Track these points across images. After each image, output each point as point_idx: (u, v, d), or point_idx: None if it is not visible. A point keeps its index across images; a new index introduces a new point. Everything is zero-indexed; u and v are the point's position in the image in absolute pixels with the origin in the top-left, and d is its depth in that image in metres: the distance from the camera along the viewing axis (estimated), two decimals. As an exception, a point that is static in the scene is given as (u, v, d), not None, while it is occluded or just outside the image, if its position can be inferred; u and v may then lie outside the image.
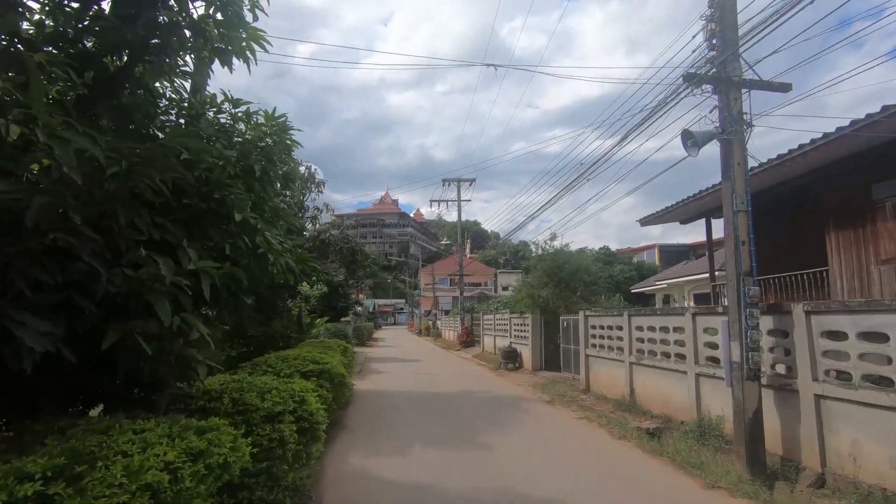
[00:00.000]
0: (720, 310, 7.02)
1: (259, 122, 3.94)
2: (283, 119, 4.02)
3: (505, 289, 66.19)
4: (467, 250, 75.89)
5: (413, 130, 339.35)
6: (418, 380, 13.85)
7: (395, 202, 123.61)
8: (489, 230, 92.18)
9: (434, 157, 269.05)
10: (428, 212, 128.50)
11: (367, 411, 8.90)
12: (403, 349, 28.27)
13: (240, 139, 3.77)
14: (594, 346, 11.16)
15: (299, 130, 4.11)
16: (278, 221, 4.09)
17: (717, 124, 5.83)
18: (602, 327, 10.77)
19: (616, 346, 10.05)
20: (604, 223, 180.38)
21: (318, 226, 10.41)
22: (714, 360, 6.94)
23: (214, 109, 3.74)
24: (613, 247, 45.23)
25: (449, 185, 29.32)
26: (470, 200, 29.98)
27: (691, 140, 5.83)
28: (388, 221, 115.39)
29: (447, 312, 40.10)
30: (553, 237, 16.02)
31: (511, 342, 18.27)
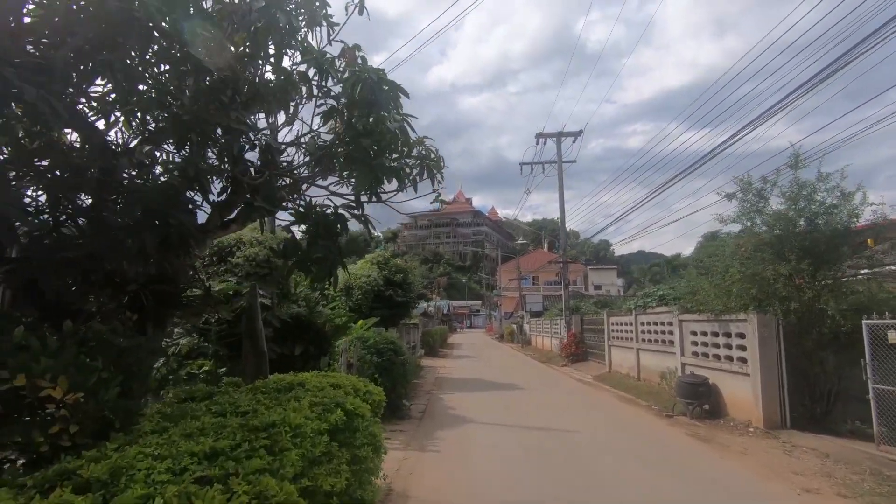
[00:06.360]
0: None
1: None
2: None
3: (597, 288, 56.61)
4: (545, 248, 67.35)
5: (486, 132, 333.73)
6: (550, 466, 6.27)
7: (469, 201, 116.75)
8: (567, 228, 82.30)
9: (507, 158, 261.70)
10: (504, 213, 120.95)
11: None
12: (488, 363, 21.10)
13: None
14: None
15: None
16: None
17: None
18: None
19: None
20: (693, 224, 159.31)
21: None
22: None
23: None
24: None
25: (545, 142, 21.78)
26: (575, 161, 22.28)
27: None
28: (462, 220, 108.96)
29: (539, 314, 32.19)
30: (797, 160, 7.96)
31: (684, 363, 10.48)
